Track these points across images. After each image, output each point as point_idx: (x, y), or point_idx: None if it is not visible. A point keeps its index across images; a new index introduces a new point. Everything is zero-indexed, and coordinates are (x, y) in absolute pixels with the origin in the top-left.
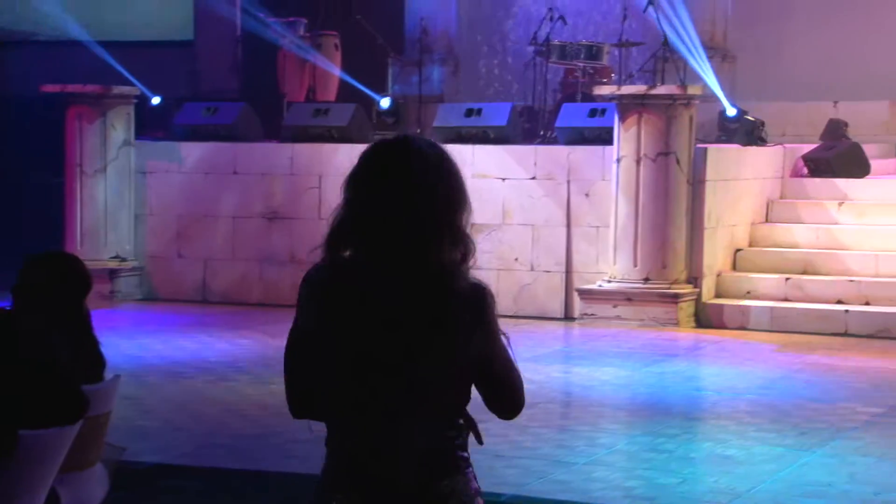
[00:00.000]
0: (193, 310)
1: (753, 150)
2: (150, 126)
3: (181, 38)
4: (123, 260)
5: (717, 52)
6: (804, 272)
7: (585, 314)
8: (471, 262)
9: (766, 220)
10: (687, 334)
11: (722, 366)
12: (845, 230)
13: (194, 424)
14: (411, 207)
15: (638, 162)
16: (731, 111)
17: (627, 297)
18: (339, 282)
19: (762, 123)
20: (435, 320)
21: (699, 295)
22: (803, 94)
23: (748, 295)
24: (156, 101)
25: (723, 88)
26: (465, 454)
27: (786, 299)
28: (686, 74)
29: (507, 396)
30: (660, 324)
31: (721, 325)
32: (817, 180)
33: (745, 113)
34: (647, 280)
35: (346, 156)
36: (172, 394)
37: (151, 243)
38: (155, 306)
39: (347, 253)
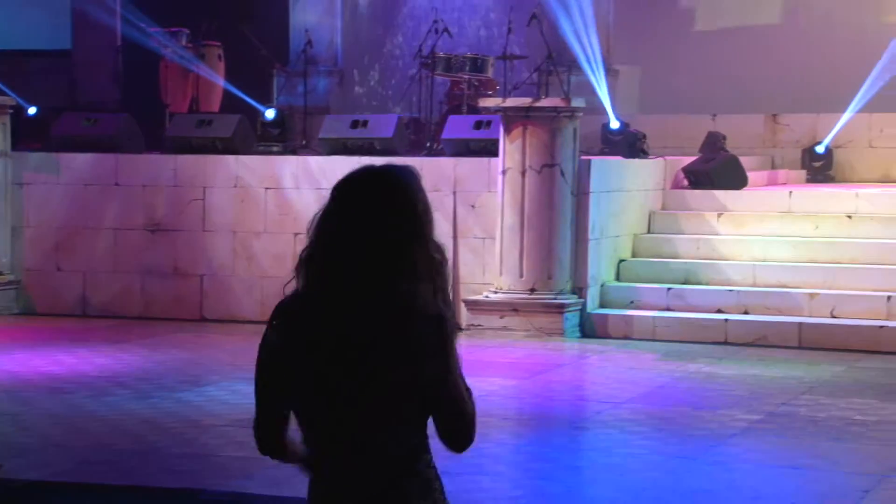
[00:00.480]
0: (73, 324)
1: (636, 162)
2: (26, 137)
3: (58, 48)
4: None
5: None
6: (686, 282)
7: (472, 325)
8: (444, 291)
9: (649, 231)
10: (572, 344)
11: (607, 375)
12: (725, 241)
13: (74, 440)
14: (379, 240)
15: (523, 174)
16: (615, 124)
17: (514, 308)
18: (308, 311)
19: (644, 136)
20: (398, 347)
21: (584, 305)
22: (683, 107)
23: (632, 305)
24: (32, 111)
25: (605, 102)
26: (433, 472)
27: (668, 309)
28: (570, 87)
29: (458, 426)
30: (546, 334)
31: (606, 335)
32: (697, 192)
33: (628, 125)
34: (533, 291)
35: (231, 167)
36: (51, 409)
37: (29, 257)
38: (33, 321)
39: (316, 283)
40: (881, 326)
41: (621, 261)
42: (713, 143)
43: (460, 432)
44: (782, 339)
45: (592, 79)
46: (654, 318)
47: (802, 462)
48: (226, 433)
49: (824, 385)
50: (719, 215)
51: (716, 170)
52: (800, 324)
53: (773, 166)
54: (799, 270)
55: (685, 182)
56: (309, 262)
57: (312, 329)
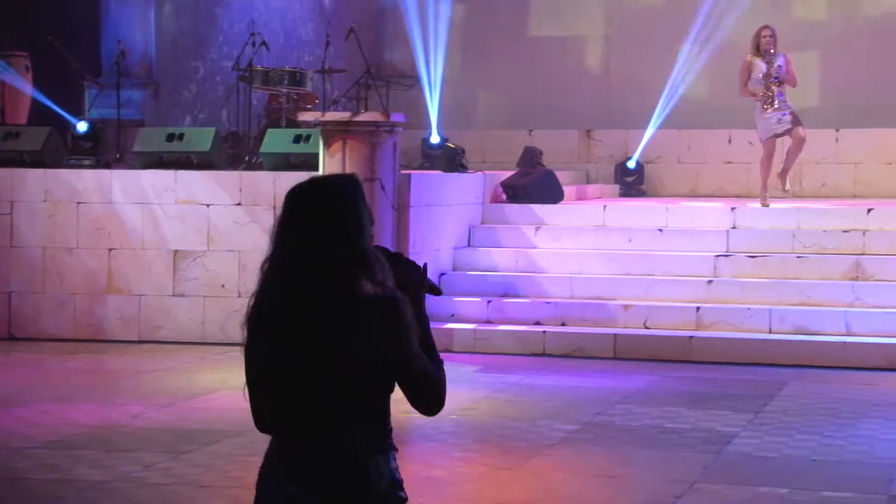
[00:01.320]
0: None
1: (455, 177)
2: None
3: None
4: None
5: (419, 81)
6: (505, 295)
7: None
8: (381, 278)
9: (469, 245)
10: None
11: None
12: (542, 254)
13: None
14: (325, 240)
15: None
16: (436, 138)
17: None
18: (273, 302)
19: (463, 151)
20: (349, 329)
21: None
22: (500, 123)
23: (452, 318)
24: None
25: (422, 117)
26: (390, 441)
27: (488, 322)
28: (389, 101)
29: (426, 394)
30: None
31: None
32: (515, 206)
33: (447, 140)
34: None
35: (40, 181)
36: None
37: None
38: None
39: (276, 285)
40: (691, 337)
41: (442, 274)
42: (530, 158)
43: (430, 400)
44: (598, 350)
45: (426, 94)
46: (474, 330)
47: (618, 470)
48: (36, 456)
49: (638, 394)
50: (537, 229)
51: (533, 184)
52: (615, 335)
53: (588, 181)
54: (614, 283)
55: (503, 196)
56: (270, 265)
57: (277, 322)
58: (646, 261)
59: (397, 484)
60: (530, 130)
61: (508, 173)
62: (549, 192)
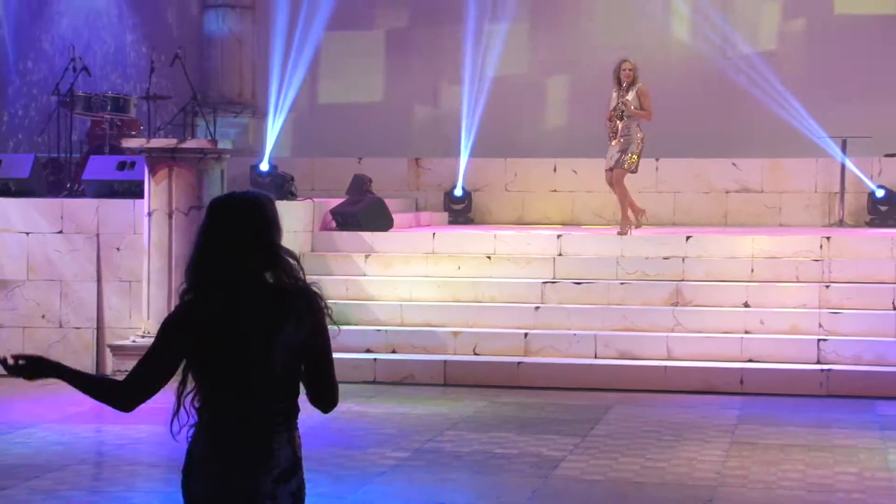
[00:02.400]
0: None
1: (284, 204)
2: None
3: None
4: None
5: (247, 108)
6: (335, 323)
7: (118, 371)
8: (296, 274)
9: None
10: None
11: None
12: (373, 281)
13: None
14: (249, 243)
15: (170, 215)
16: (265, 166)
17: None
18: (198, 302)
19: (292, 178)
20: (274, 318)
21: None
22: (330, 151)
23: None
24: None
25: (253, 144)
26: (296, 419)
27: None
28: (217, 128)
29: (328, 394)
30: None
31: None
32: (345, 234)
33: (276, 168)
34: None
35: None
36: None
37: None
38: None
39: (202, 282)
40: (519, 363)
41: None
42: (359, 186)
43: (331, 399)
44: (429, 377)
45: (256, 121)
46: None
47: (448, 497)
48: None
49: (468, 420)
50: (367, 256)
51: (363, 212)
52: (445, 361)
53: (418, 208)
54: (443, 310)
55: (333, 224)
56: (194, 267)
57: (203, 312)
58: (474, 288)
59: (297, 458)
60: (360, 158)
61: (338, 201)
62: (378, 219)
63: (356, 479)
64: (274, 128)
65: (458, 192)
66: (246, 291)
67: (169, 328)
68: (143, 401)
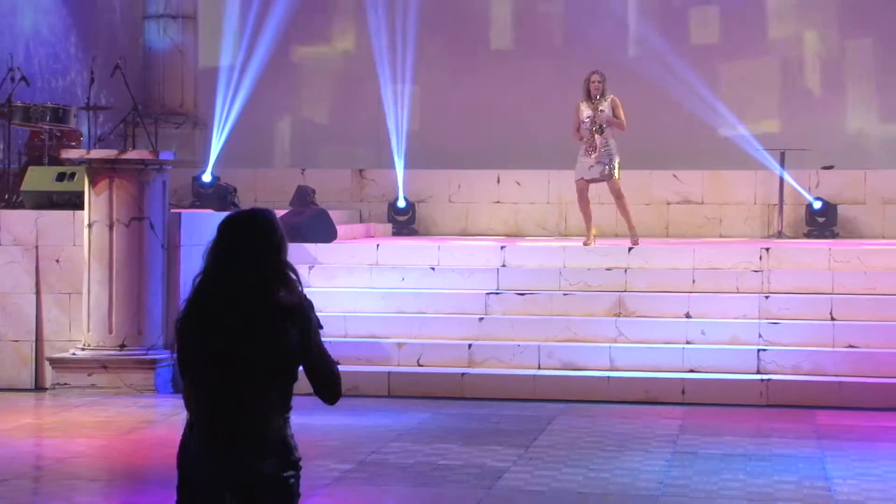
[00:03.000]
0: None
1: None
2: None
3: None
4: None
5: (189, 119)
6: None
7: (58, 384)
8: (293, 288)
9: None
10: (165, 400)
11: None
12: (316, 293)
13: None
14: (256, 260)
15: (111, 227)
16: (207, 177)
17: (103, 365)
18: (205, 306)
19: (235, 189)
20: (271, 320)
21: (176, 360)
22: (273, 162)
23: None
24: None
25: (196, 155)
26: (288, 415)
27: None
28: (158, 139)
29: (330, 387)
30: (137, 390)
31: None
32: (289, 245)
33: (219, 179)
34: (123, 347)
35: None
36: None
37: None
38: None
39: (207, 292)
40: (463, 374)
41: None
42: (303, 197)
43: (333, 390)
44: (373, 389)
45: (200, 132)
46: None
47: None
48: None
49: (412, 432)
50: (311, 268)
51: (306, 223)
52: (389, 373)
53: (362, 219)
54: (387, 321)
55: None
56: (204, 277)
57: (210, 315)
58: (418, 299)
59: (291, 445)
60: (303, 170)
61: (281, 212)
62: (322, 231)
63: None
64: (216, 139)
65: (400, 203)
66: (251, 302)
67: (179, 336)
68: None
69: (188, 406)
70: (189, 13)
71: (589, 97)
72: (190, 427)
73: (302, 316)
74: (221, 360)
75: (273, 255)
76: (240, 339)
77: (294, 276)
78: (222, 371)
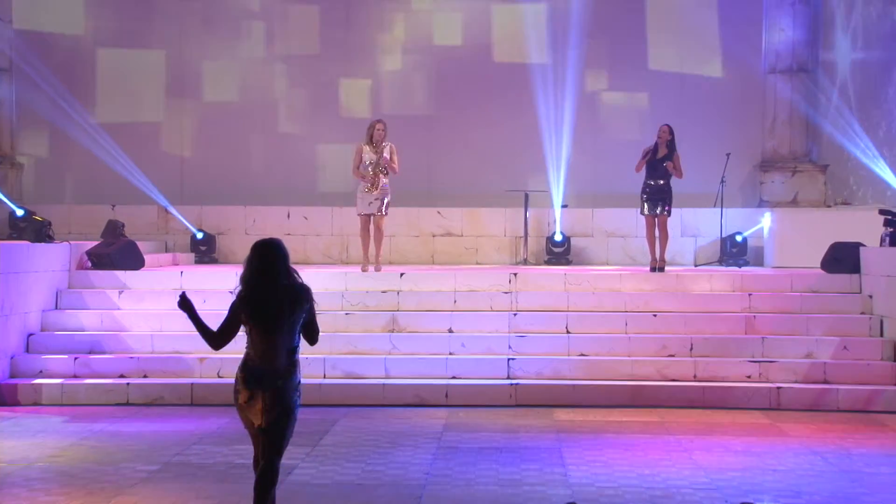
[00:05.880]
0: None
1: (42, 247)
2: None
3: None
4: None
5: (6, 160)
6: (91, 352)
7: None
8: (299, 279)
9: (57, 308)
10: None
11: (16, 439)
12: (126, 314)
13: None
14: (275, 266)
15: None
16: (20, 212)
17: None
18: (250, 294)
19: (49, 223)
20: (288, 302)
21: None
22: (85, 198)
23: (41, 374)
24: None
25: (11, 192)
26: (298, 357)
27: (75, 377)
28: None
29: (315, 333)
30: None
31: (16, 403)
32: (101, 272)
33: (34, 213)
34: None
35: None
36: None
37: None
38: None
39: (250, 285)
40: None
41: (30, 335)
42: (113, 230)
43: (315, 338)
44: (178, 398)
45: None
46: (62, 384)
47: (194, 503)
48: None
49: (212, 435)
50: (120, 292)
51: (116, 253)
52: (192, 384)
53: (167, 249)
54: (191, 339)
55: (89, 264)
56: (247, 278)
57: (255, 299)
58: (219, 319)
59: (298, 383)
60: (113, 205)
61: (93, 243)
62: (131, 259)
63: (109, 491)
64: (29, 177)
65: (200, 235)
66: (274, 288)
67: (232, 308)
68: (225, 345)
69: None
70: (5, 66)
71: (372, 141)
72: (247, 355)
73: (307, 294)
74: (263, 321)
75: (284, 261)
76: (274, 311)
77: (296, 273)
78: (266, 329)
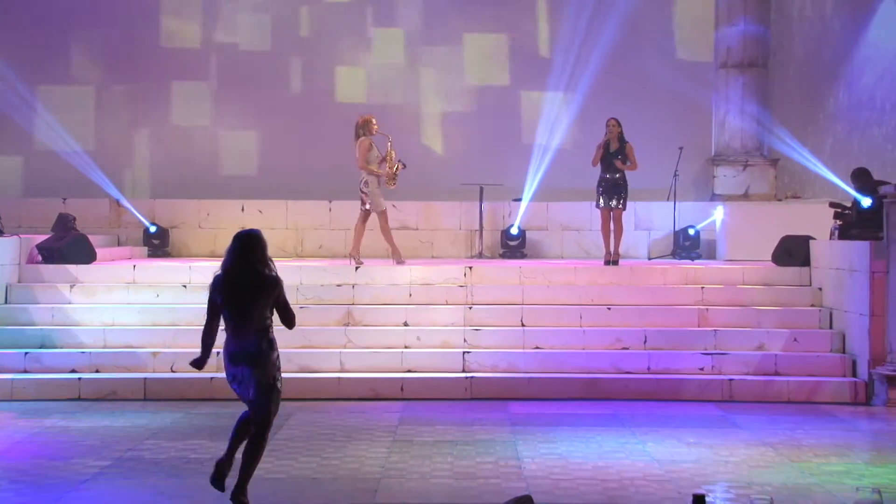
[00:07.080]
0: None
1: None
2: None
3: None
4: None
5: None
6: (42, 346)
7: None
8: (273, 269)
9: (6, 302)
10: None
11: None
12: (77, 309)
13: None
14: (254, 253)
15: None
16: None
17: None
18: (228, 278)
19: None
20: (260, 286)
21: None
22: (35, 192)
23: None
24: None
25: None
26: (272, 337)
27: (25, 371)
28: None
29: (291, 319)
30: None
31: None
32: (51, 266)
33: None
34: None
35: None
36: None
37: None
38: None
39: (228, 269)
40: (212, 378)
41: None
42: (64, 224)
43: (292, 323)
44: (131, 393)
45: None
46: (12, 380)
47: (147, 499)
48: None
49: (165, 430)
50: (72, 286)
51: (67, 247)
52: (145, 379)
53: (119, 243)
54: (144, 333)
55: (39, 258)
56: (226, 262)
57: (231, 283)
58: (172, 313)
59: (277, 363)
60: (64, 199)
61: (43, 237)
62: (82, 253)
63: (60, 487)
64: None
65: (153, 228)
66: (248, 273)
67: (209, 298)
68: (216, 331)
69: (223, 329)
70: None
71: (373, 136)
72: (226, 337)
73: (278, 284)
74: (238, 305)
75: (262, 252)
76: (246, 294)
77: (272, 263)
78: (239, 311)
